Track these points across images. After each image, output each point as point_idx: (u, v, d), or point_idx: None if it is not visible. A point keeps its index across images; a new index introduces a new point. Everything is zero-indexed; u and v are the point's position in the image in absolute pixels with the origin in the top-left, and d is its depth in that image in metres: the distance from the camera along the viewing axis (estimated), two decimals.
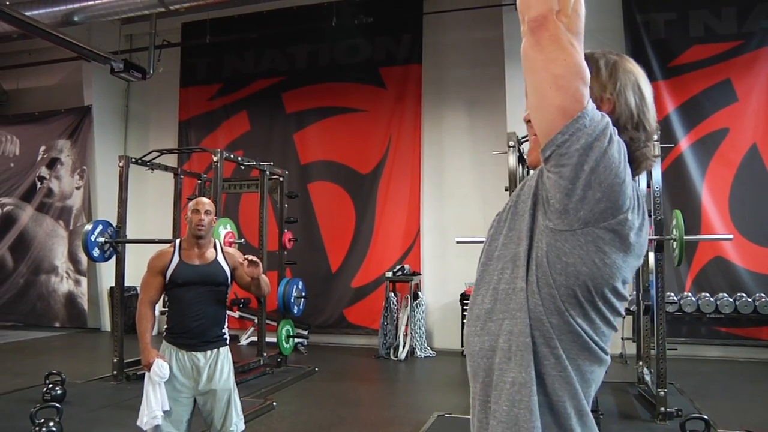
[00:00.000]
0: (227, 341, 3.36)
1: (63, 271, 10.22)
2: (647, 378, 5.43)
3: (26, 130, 10.64)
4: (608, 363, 1.15)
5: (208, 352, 3.25)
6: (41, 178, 10.43)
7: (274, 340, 7.21)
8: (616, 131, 1.08)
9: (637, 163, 1.18)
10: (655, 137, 1.22)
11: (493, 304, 1.17)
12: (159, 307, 3.47)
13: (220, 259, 3.35)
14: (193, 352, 3.23)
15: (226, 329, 3.37)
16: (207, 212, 3.35)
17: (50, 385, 5.35)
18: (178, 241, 3.45)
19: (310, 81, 9.68)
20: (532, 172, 1.25)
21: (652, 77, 7.94)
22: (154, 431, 3.21)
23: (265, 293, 3.45)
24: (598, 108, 1.12)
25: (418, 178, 9.18)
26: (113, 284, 6.98)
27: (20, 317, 10.27)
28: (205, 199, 3.47)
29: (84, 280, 10.07)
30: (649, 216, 5.12)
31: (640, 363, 5.95)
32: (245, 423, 4.79)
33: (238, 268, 3.35)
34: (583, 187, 1.04)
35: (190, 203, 3.44)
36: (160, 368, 3.14)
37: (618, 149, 1.06)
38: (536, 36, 1.08)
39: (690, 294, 7.49)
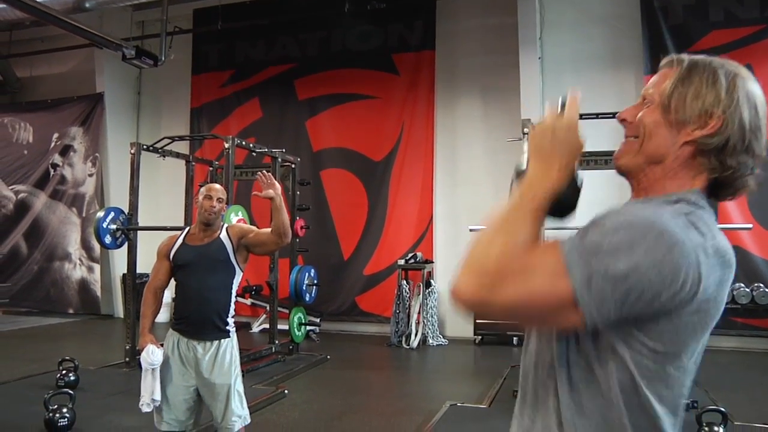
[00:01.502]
0: (230, 333, 3.26)
1: (76, 258, 10.26)
2: None
3: (39, 118, 10.67)
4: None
5: (207, 343, 3.18)
6: (54, 166, 10.46)
7: (286, 327, 7.20)
8: (611, 240, 0.93)
9: (734, 189, 1.08)
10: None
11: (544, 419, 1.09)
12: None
13: (223, 236, 3.26)
14: (193, 341, 3.19)
15: (231, 320, 3.27)
16: (219, 199, 3.31)
17: (64, 372, 5.37)
18: (188, 227, 3.42)
19: (323, 67, 9.62)
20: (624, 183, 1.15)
21: None
22: (156, 417, 3.21)
23: (285, 231, 3.19)
24: (703, 125, 1.03)
25: (431, 166, 9.11)
26: (126, 271, 6.99)
27: (34, 303, 10.35)
28: (217, 186, 3.42)
29: (97, 267, 10.11)
30: None
31: None
32: (258, 411, 4.84)
33: (245, 234, 3.29)
34: (653, 315, 0.95)
35: (202, 189, 3.39)
36: (149, 354, 3.11)
37: (629, 265, 0.91)
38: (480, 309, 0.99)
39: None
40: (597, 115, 5.54)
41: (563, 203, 1.06)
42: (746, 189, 1.09)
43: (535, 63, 8.24)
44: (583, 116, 4.88)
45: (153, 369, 3.15)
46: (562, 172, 1.04)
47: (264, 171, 3.20)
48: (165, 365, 3.19)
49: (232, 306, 3.28)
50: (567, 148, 1.05)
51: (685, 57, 1.11)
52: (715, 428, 3.91)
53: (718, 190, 1.09)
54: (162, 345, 3.22)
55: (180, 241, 3.30)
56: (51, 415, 4.19)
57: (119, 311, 9.87)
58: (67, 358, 5.49)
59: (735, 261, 1.01)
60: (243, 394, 3.32)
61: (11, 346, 7.84)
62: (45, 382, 5.45)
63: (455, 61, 9.05)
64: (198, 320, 3.19)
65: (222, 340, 3.23)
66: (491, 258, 0.94)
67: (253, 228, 3.35)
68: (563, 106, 1.09)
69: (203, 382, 3.19)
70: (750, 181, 1.08)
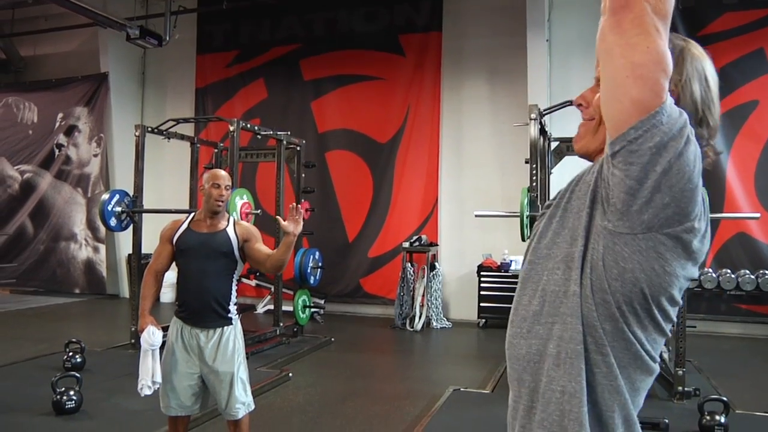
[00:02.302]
0: (232, 320, 3.26)
1: (82, 238, 10.30)
2: (665, 355, 5.36)
3: (43, 97, 10.64)
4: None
5: (210, 331, 3.19)
6: (59, 146, 10.46)
7: (291, 308, 7.22)
8: (690, 128, 0.98)
9: None
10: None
11: (541, 307, 1.10)
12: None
13: (229, 229, 3.25)
14: (195, 329, 3.19)
15: (233, 308, 3.26)
16: (227, 187, 3.30)
17: (70, 353, 5.42)
18: (193, 212, 3.41)
19: (328, 48, 9.54)
20: (588, 164, 1.16)
21: None
22: (162, 402, 3.24)
23: (280, 267, 3.28)
24: None
25: (437, 148, 9.07)
26: (131, 252, 7.01)
27: (41, 283, 10.41)
28: (223, 173, 3.39)
29: (102, 248, 10.15)
30: None
31: None
32: (262, 394, 4.87)
33: (250, 240, 3.29)
34: (652, 189, 0.95)
35: (207, 176, 3.37)
36: (150, 335, 3.13)
37: (695, 152, 0.97)
38: (618, 17, 0.97)
39: (711, 270, 7.37)
40: None
41: None
42: (706, 161, 1.09)
43: (543, 45, 8.15)
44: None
45: (153, 350, 3.17)
46: None
47: (297, 206, 3.13)
48: (169, 352, 3.21)
49: (233, 294, 3.28)
50: None
51: None
52: (717, 417, 3.92)
53: None
54: (162, 327, 3.24)
55: (185, 226, 3.29)
56: (58, 397, 4.23)
57: (125, 291, 9.94)
58: (74, 340, 5.54)
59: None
60: (247, 381, 3.33)
61: (19, 326, 7.91)
62: (52, 363, 5.50)
63: (462, 43, 8.97)
64: (198, 307, 3.20)
65: (225, 328, 3.23)
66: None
67: (259, 238, 3.32)
68: None
69: (207, 369, 3.20)
70: (708, 152, 1.10)
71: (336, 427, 4.32)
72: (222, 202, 3.25)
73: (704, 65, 1.09)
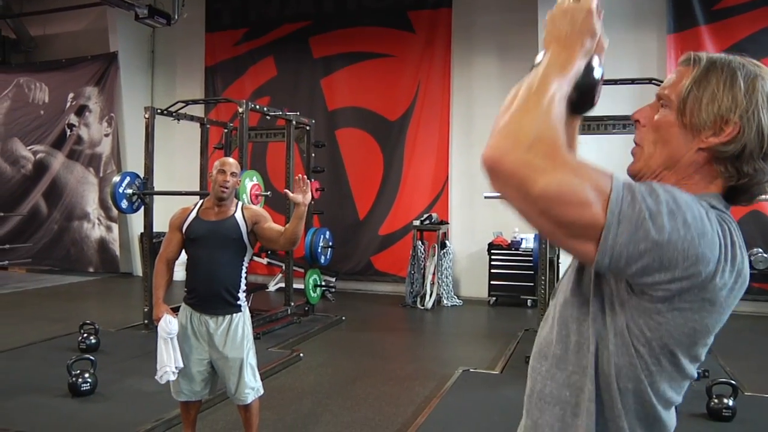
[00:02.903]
0: (241, 308, 3.30)
1: (95, 217, 10.38)
2: None
3: (54, 77, 10.64)
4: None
5: (219, 318, 3.24)
6: (71, 126, 10.49)
7: (302, 286, 7.27)
8: (663, 197, 0.90)
9: (750, 195, 1.04)
10: None
11: (563, 353, 1.07)
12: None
13: (237, 215, 3.27)
14: (205, 316, 3.24)
15: (242, 295, 3.31)
16: (233, 174, 3.31)
17: (85, 335, 5.51)
18: (201, 200, 3.44)
19: (338, 25, 9.46)
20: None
21: (693, 22, 7.69)
22: (173, 387, 3.30)
23: (294, 241, 3.27)
24: (718, 131, 0.98)
25: (447, 126, 9.02)
26: (143, 231, 7.05)
27: (55, 262, 10.53)
28: (231, 160, 3.41)
29: (115, 227, 10.23)
30: None
31: None
32: (273, 375, 4.95)
33: (260, 222, 3.31)
34: (656, 280, 0.91)
35: (216, 163, 3.38)
36: (167, 324, 3.18)
37: (674, 227, 0.88)
38: (498, 183, 0.92)
39: None
40: (615, 81, 5.40)
41: (582, 93, 1.03)
42: (763, 194, 1.06)
43: None
44: (603, 82, 4.74)
45: (171, 338, 3.22)
46: (581, 58, 1.00)
47: (303, 176, 3.15)
48: (180, 339, 3.25)
49: (243, 281, 3.31)
50: (588, 32, 1.01)
51: (704, 56, 1.05)
52: (725, 400, 3.93)
53: (733, 196, 1.05)
54: (176, 315, 3.29)
55: (193, 214, 3.32)
56: (74, 379, 4.31)
57: (138, 269, 10.02)
58: (88, 321, 5.63)
59: (748, 278, 0.98)
60: (256, 367, 3.38)
61: (35, 306, 8.04)
62: (67, 344, 5.60)
63: (472, 19, 8.85)
64: (207, 294, 3.24)
65: (234, 315, 3.28)
66: (549, 137, 0.90)
67: (268, 218, 3.34)
68: None
69: (217, 355, 3.25)
70: (766, 187, 1.04)
71: (346, 408, 4.37)
72: (226, 188, 3.27)
73: None
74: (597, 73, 1.06)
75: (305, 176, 3.19)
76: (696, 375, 1.04)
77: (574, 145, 1.27)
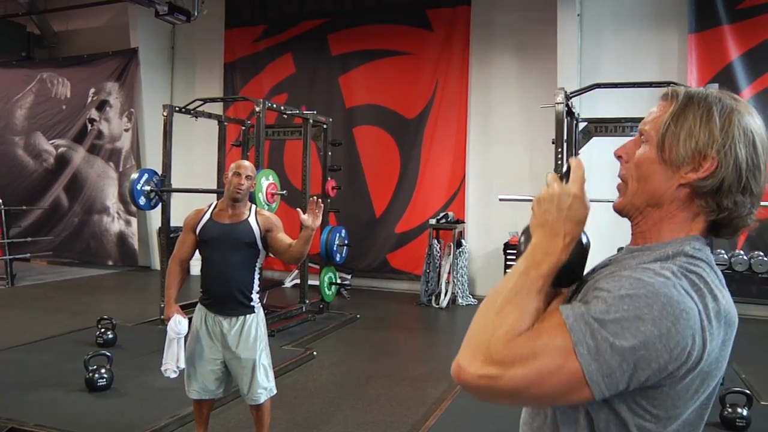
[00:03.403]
0: (255, 309, 3.35)
1: (114, 211, 10.52)
2: None
3: (76, 73, 10.78)
4: None
5: (232, 318, 3.28)
6: (91, 120, 10.62)
7: (318, 282, 7.31)
8: (613, 314, 0.90)
9: (733, 228, 1.04)
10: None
11: (554, 415, 1.07)
12: None
13: (251, 219, 3.31)
14: (219, 317, 3.28)
15: (255, 296, 3.35)
16: (248, 177, 3.34)
17: (102, 330, 5.59)
18: (215, 201, 3.47)
19: (356, 22, 9.47)
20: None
21: (715, 21, 7.58)
22: (187, 385, 3.35)
23: (299, 260, 3.35)
24: (697, 166, 0.99)
25: (465, 124, 9.00)
26: (161, 225, 7.13)
27: (76, 255, 10.70)
28: (246, 163, 3.44)
29: (134, 221, 10.36)
30: None
31: None
32: (287, 373, 4.99)
33: (272, 230, 3.34)
34: (655, 378, 0.92)
35: (232, 165, 3.42)
36: (176, 324, 3.24)
37: (652, 318, 0.88)
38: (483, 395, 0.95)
39: (742, 252, 7.24)
40: (633, 85, 5.35)
41: (570, 271, 1.02)
42: (745, 228, 1.04)
43: (574, 20, 7.96)
44: (619, 85, 4.72)
45: (178, 338, 3.27)
46: (568, 245, 1.00)
47: (317, 200, 3.17)
48: (194, 338, 3.31)
49: (256, 283, 3.35)
50: (573, 219, 1.01)
51: (681, 90, 1.05)
52: (739, 410, 3.89)
53: (717, 230, 1.05)
54: (188, 317, 3.34)
55: (207, 216, 3.36)
56: (91, 375, 4.39)
57: (156, 263, 10.14)
58: (105, 317, 5.71)
59: (737, 318, 0.99)
60: (268, 367, 3.41)
61: (56, 298, 8.17)
62: (85, 338, 5.70)
63: (491, 17, 8.81)
64: (221, 296, 3.28)
65: (247, 316, 3.32)
66: (497, 342, 0.92)
67: (281, 228, 3.37)
68: (567, 173, 1.04)
69: (230, 355, 3.30)
70: (749, 221, 1.03)
71: (357, 408, 4.40)
72: (241, 191, 3.30)
73: (753, 127, 1.01)
74: (585, 248, 1.06)
75: (320, 200, 3.21)
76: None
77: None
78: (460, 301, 8.30)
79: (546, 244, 1.00)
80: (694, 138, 1.00)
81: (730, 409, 3.91)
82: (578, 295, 1.02)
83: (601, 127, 5.95)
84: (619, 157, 1.09)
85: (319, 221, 3.15)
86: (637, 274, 0.94)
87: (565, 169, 1.06)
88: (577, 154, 6.02)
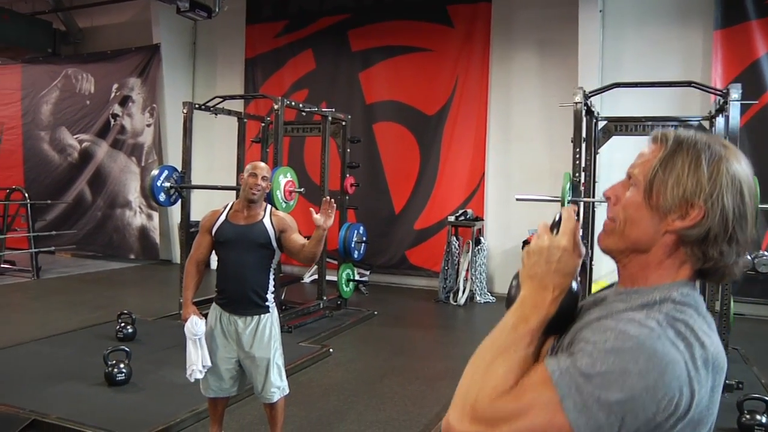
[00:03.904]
0: (269, 308, 3.38)
1: (136, 205, 10.66)
2: None
3: (100, 69, 10.93)
4: None
5: (247, 318, 3.32)
6: (114, 116, 10.76)
7: (336, 278, 7.34)
8: (600, 374, 0.88)
9: (719, 275, 1.03)
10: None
11: None
12: None
13: (266, 221, 3.34)
14: (234, 316, 3.32)
15: (270, 296, 3.38)
16: (264, 178, 3.37)
17: (122, 324, 5.68)
18: (231, 202, 3.50)
19: (377, 19, 9.46)
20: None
21: (743, 16, 7.43)
22: (202, 384, 3.39)
23: (312, 260, 3.36)
24: (684, 214, 0.98)
25: (485, 121, 8.95)
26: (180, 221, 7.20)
27: (99, 248, 10.87)
28: (262, 164, 3.46)
29: (155, 215, 10.48)
30: None
31: None
32: (302, 370, 5.02)
33: (286, 231, 3.36)
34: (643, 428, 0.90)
35: (248, 166, 3.45)
36: (193, 325, 3.27)
37: (638, 372, 0.87)
38: None
39: (765, 253, 7.09)
40: (652, 84, 5.28)
41: (560, 320, 1.02)
42: (732, 276, 1.02)
43: (596, 16, 7.87)
44: (639, 85, 4.64)
45: (197, 339, 3.31)
46: (557, 298, 1.00)
47: (330, 200, 3.18)
48: (209, 337, 3.35)
49: (271, 283, 3.38)
50: (562, 272, 1.00)
51: (671, 135, 1.04)
52: (758, 417, 3.83)
53: (704, 276, 1.03)
54: (204, 316, 3.38)
55: (223, 217, 3.39)
56: (110, 369, 4.47)
57: (177, 257, 10.24)
58: (125, 312, 5.79)
59: (726, 362, 0.97)
60: (282, 367, 3.45)
61: (79, 292, 8.31)
62: (106, 332, 5.79)
63: (512, 13, 8.74)
64: (236, 296, 3.32)
65: (262, 316, 3.35)
66: (483, 400, 0.93)
67: (295, 228, 3.39)
68: (558, 224, 1.03)
69: (244, 354, 3.33)
70: (735, 270, 1.01)
71: (371, 406, 4.42)
72: (257, 191, 3.32)
73: (741, 176, 1.00)
74: (575, 296, 1.04)
75: (333, 200, 3.21)
76: None
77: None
78: (478, 298, 8.28)
79: (535, 296, 1.00)
80: (682, 186, 0.98)
81: (748, 416, 3.85)
82: (566, 337, 1.01)
83: (622, 126, 5.87)
84: (607, 198, 1.08)
85: (331, 221, 3.16)
86: (621, 326, 0.92)
87: (556, 218, 1.04)
88: (596, 153, 5.96)
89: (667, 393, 0.88)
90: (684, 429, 0.92)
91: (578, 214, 5.49)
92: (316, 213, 3.21)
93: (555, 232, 1.03)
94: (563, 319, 1.03)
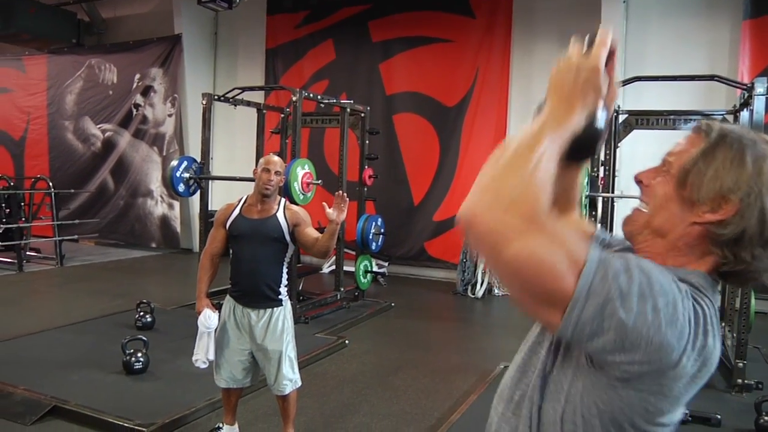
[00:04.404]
0: (282, 302, 3.40)
1: (158, 194, 10.78)
2: (728, 342, 5.17)
3: (122, 59, 11.03)
4: None
5: (260, 311, 3.34)
6: (137, 106, 10.87)
7: (353, 269, 7.36)
8: (638, 278, 0.87)
9: (743, 280, 1.01)
10: None
11: (520, 399, 1.09)
12: None
13: (279, 215, 3.35)
14: (247, 308, 3.35)
15: (283, 290, 3.40)
16: (277, 173, 3.38)
17: (141, 313, 5.76)
18: (245, 195, 3.52)
19: (397, 9, 9.41)
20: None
21: None
22: (216, 375, 3.44)
23: (325, 254, 3.36)
24: (716, 207, 0.95)
25: (505, 113, 8.88)
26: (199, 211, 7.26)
27: (121, 237, 11.03)
28: (276, 158, 3.47)
29: (176, 204, 10.59)
30: None
31: (723, 324, 5.67)
32: (317, 361, 5.05)
33: (300, 225, 3.37)
34: (614, 360, 0.89)
35: (261, 160, 3.47)
36: (206, 318, 3.32)
37: (641, 310, 0.85)
38: (472, 236, 0.91)
39: None
40: (674, 78, 5.19)
41: (580, 146, 1.00)
42: (756, 282, 1.00)
43: (620, 7, 7.75)
44: (660, 78, 4.56)
45: (209, 332, 3.35)
46: (580, 114, 0.98)
47: (343, 194, 3.17)
48: (222, 329, 3.39)
49: (284, 277, 3.39)
50: (589, 90, 0.98)
51: (716, 127, 1.01)
52: None
53: (727, 277, 1.01)
54: (218, 310, 3.42)
55: (237, 211, 3.41)
56: (128, 358, 4.53)
57: (197, 246, 10.33)
58: (144, 301, 5.87)
59: (715, 365, 0.95)
60: (294, 359, 3.47)
61: (101, 279, 8.44)
62: (125, 321, 5.87)
63: (533, 4, 8.64)
64: (249, 289, 3.34)
65: (275, 309, 3.37)
66: (528, 200, 0.88)
67: (308, 222, 3.40)
68: (591, 44, 1.00)
69: (257, 346, 3.36)
70: (762, 275, 0.98)
71: (384, 399, 4.43)
72: (270, 186, 3.34)
73: None
74: (599, 124, 1.02)
75: (345, 194, 3.21)
76: None
77: (573, 195, 1.24)
78: (496, 291, 8.26)
79: (559, 110, 0.97)
80: (720, 180, 0.96)
81: (766, 417, 3.78)
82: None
83: (643, 119, 5.79)
84: (639, 182, 1.07)
85: (343, 215, 3.16)
86: (658, 270, 0.91)
87: (588, 39, 1.01)
88: (616, 146, 5.89)
89: (661, 342, 0.86)
90: (654, 388, 0.91)
91: (597, 204, 5.42)
92: (328, 208, 3.22)
93: (587, 52, 1.00)
94: (584, 148, 1.02)
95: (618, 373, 0.90)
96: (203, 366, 3.40)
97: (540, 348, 1.09)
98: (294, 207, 3.49)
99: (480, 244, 0.91)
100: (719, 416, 3.82)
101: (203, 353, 3.36)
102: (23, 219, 9.07)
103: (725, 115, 5.68)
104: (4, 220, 8.72)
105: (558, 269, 0.86)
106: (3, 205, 8.73)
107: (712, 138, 0.99)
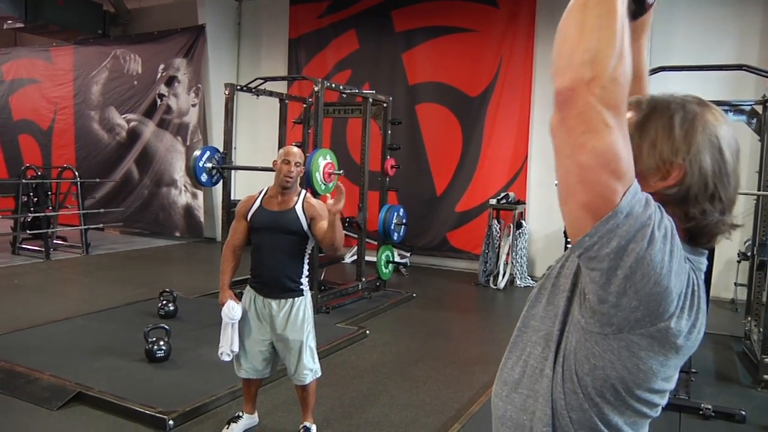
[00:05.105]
0: (303, 292, 3.41)
1: (181, 184, 10.87)
2: (754, 336, 5.08)
3: (147, 49, 11.12)
4: None
5: (282, 300, 3.35)
6: (161, 96, 10.95)
7: (375, 259, 7.36)
8: (665, 222, 0.89)
9: (709, 236, 1.01)
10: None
11: (521, 376, 1.10)
12: None
13: (298, 207, 3.35)
14: (268, 299, 3.36)
15: (304, 280, 3.41)
16: (297, 164, 3.38)
17: (164, 302, 5.82)
18: (265, 187, 3.53)
19: None
20: None
21: None
22: (236, 365, 3.46)
23: (334, 248, 3.26)
24: (666, 176, 0.97)
25: (528, 103, 8.79)
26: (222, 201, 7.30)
27: (145, 225, 11.16)
28: (295, 149, 3.47)
29: (200, 194, 10.68)
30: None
31: (749, 318, 5.57)
32: (338, 351, 5.07)
33: (316, 218, 3.34)
34: (617, 294, 0.89)
35: (281, 151, 3.47)
36: (230, 310, 3.34)
37: (661, 249, 0.87)
38: (563, 113, 0.89)
39: None
40: (701, 68, 5.09)
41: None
42: (721, 235, 1.01)
43: None
44: (685, 68, 4.46)
45: (233, 323, 3.37)
46: None
47: (342, 187, 3.06)
48: (243, 319, 3.41)
49: (305, 268, 3.41)
50: None
51: (644, 99, 1.03)
52: None
53: (693, 239, 1.01)
54: (240, 301, 3.44)
55: (257, 203, 3.42)
56: (150, 346, 4.59)
57: (220, 236, 10.42)
58: (167, 289, 5.93)
59: (703, 333, 0.97)
60: (315, 349, 3.48)
61: (125, 268, 8.55)
62: (148, 309, 5.95)
63: None
64: (270, 280, 3.36)
65: (296, 299, 3.38)
66: (623, 72, 0.87)
67: (324, 216, 3.31)
68: None
69: (277, 337, 3.38)
70: (722, 227, 1.00)
71: (404, 389, 4.44)
72: (291, 178, 3.34)
73: (719, 133, 0.98)
74: None
75: (342, 186, 3.11)
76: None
77: (643, 66, 1.23)
78: (518, 282, 8.21)
79: None
80: (658, 149, 0.98)
81: None
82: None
83: None
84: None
85: (340, 205, 3.01)
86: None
87: None
88: None
89: (667, 287, 0.88)
90: (645, 341, 0.92)
91: None
92: (330, 199, 3.19)
93: None
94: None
95: (615, 319, 0.91)
96: (227, 359, 3.42)
97: (536, 323, 1.11)
98: (312, 200, 3.48)
99: (574, 122, 0.89)
100: (744, 412, 3.75)
101: (227, 345, 3.38)
102: (50, 208, 9.21)
103: (754, 106, 5.55)
104: (32, 209, 8.87)
105: (622, 172, 0.86)
106: (31, 194, 8.87)
107: (642, 111, 1.02)
